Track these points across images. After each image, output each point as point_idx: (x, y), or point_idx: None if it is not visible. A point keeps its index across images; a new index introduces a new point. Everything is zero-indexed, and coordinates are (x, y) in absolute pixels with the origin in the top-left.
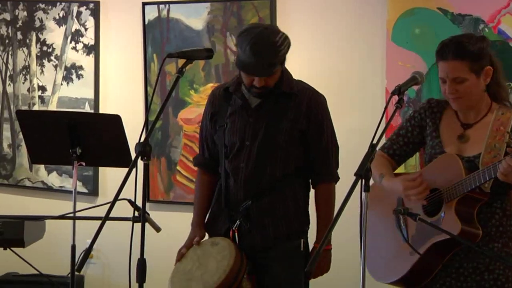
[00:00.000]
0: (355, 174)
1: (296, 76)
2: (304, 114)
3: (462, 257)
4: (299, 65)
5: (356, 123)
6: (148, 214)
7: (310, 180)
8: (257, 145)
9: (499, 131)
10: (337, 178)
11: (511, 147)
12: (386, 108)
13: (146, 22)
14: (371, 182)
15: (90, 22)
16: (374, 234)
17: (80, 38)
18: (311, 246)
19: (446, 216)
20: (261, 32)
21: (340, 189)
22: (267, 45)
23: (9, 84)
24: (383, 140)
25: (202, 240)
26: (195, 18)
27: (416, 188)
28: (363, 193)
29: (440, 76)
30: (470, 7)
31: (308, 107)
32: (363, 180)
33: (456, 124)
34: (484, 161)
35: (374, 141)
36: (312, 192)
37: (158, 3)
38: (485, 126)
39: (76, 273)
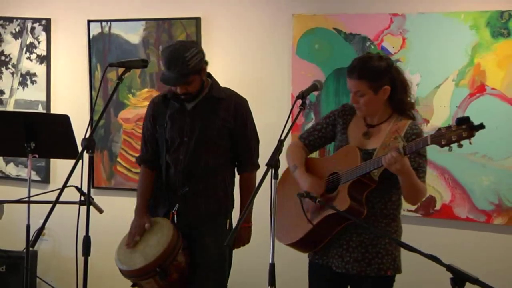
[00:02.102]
0: (266, 165)
1: (220, 80)
2: (232, 114)
3: (352, 232)
4: (221, 72)
5: (267, 121)
6: (92, 199)
7: (235, 169)
8: (194, 140)
9: (394, 134)
10: (258, 167)
11: (404, 146)
12: (291, 110)
13: (91, 37)
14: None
15: (42, 36)
16: (283, 204)
17: (34, 49)
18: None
19: (340, 194)
20: (174, 48)
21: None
22: (177, 59)
23: None
24: (289, 137)
25: None
26: (132, 33)
27: (318, 192)
28: (273, 181)
29: (348, 88)
30: (359, 28)
31: (235, 108)
32: (273, 170)
33: (363, 124)
34: (378, 154)
35: (282, 137)
36: (237, 177)
37: (101, 21)
38: (385, 128)
39: (31, 248)
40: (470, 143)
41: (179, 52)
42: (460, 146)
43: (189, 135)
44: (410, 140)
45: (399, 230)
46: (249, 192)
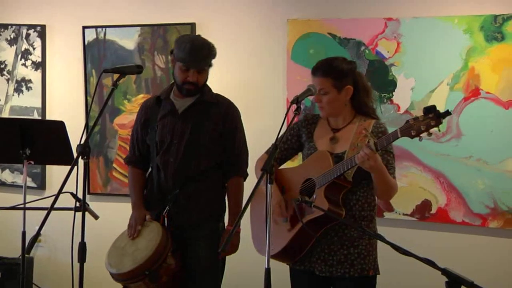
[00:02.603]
0: (261, 169)
1: (216, 85)
2: (222, 119)
3: (332, 235)
4: (216, 77)
5: (263, 125)
6: (88, 205)
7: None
8: (184, 143)
9: (361, 133)
10: (245, 174)
11: (375, 142)
12: (286, 114)
13: (86, 43)
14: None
15: (37, 43)
16: (258, 217)
17: (29, 56)
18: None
19: (317, 198)
20: (197, 36)
21: (248, 182)
22: (203, 44)
23: None
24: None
25: None
26: (127, 39)
27: (279, 212)
28: (268, 185)
29: None
30: (353, 33)
31: (226, 114)
32: (268, 174)
33: (328, 129)
34: (348, 156)
35: (277, 142)
36: None
37: (96, 27)
38: (351, 130)
39: (26, 255)
40: (439, 131)
41: (204, 39)
42: (430, 134)
43: (178, 138)
44: (377, 138)
45: (375, 231)
46: (237, 196)
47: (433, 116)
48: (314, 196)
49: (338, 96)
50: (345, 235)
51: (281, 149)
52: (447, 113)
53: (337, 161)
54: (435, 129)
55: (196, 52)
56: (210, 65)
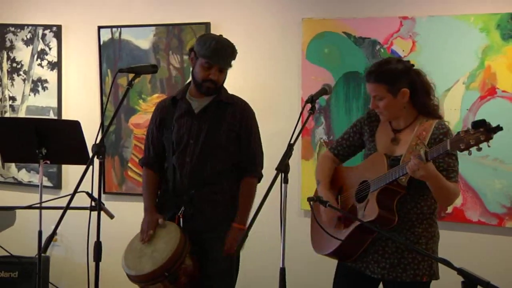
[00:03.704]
0: (276, 169)
1: (230, 85)
2: (238, 119)
3: (387, 238)
4: (231, 77)
5: (278, 126)
6: (103, 204)
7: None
8: (200, 143)
9: (421, 135)
10: (259, 175)
11: (426, 152)
12: (301, 114)
13: (101, 43)
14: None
15: (53, 43)
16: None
17: (45, 56)
18: None
19: (370, 203)
20: (220, 35)
21: (264, 182)
22: (227, 43)
23: None
24: (299, 141)
25: None
26: (142, 39)
27: (328, 217)
28: (283, 185)
29: (368, 92)
30: (369, 32)
31: (241, 115)
32: (283, 174)
33: (389, 130)
34: (405, 160)
35: (292, 141)
36: None
37: (111, 27)
38: (411, 132)
39: (43, 254)
40: (489, 146)
41: (228, 40)
42: (479, 149)
43: (195, 138)
44: (438, 140)
45: (436, 235)
46: (249, 196)
47: (483, 131)
48: (367, 200)
49: (395, 100)
50: (401, 238)
51: (343, 146)
52: (498, 128)
53: (394, 164)
54: (485, 144)
55: (221, 50)
56: (230, 65)
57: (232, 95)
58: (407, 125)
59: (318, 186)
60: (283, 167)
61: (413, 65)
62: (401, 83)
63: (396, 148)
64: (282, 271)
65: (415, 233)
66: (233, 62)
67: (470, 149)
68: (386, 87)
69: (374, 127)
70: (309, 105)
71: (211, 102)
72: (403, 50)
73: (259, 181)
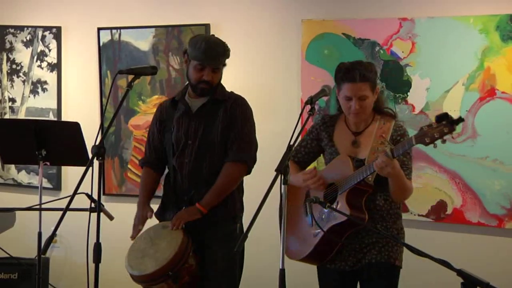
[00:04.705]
0: (276, 170)
1: (230, 86)
2: (229, 111)
3: (363, 235)
4: (230, 78)
5: (277, 127)
6: (103, 205)
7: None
8: (197, 143)
9: (381, 138)
10: (246, 163)
11: (392, 149)
12: (301, 115)
13: (101, 44)
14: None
15: (53, 44)
16: (289, 218)
17: (45, 57)
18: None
19: (340, 204)
20: (211, 35)
21: (263, 183)
22: (218, 43)
23: None
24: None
25: (154, 224)
26: (142, 40)
27: (312, 179)
28: (283, 186)
29: (346, 95)
30: (368, 33)
31: (231, 106)
32: (282, 175)
33: (348, 132)
34: (369, 160)
35: (291, 143)
36: (246, 183)
37: (111, 28)
38: (371, 133)
39: (42, 255)
40: (453, 138)
41: (219, 39)
42: (444, 141)
43: (193, 138)
44: (396, 141)
45: (403, 228)
46: (227, 180)
47: (446, 123)
48: (337, 203)
49: (372, 99)
50: (375, 233)
51: (302, 153)
52: (460, 119)
53: (359, 165)
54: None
55: (212, 50)
56: (224, 64)
57: (230, 93)
58: (367, 126)
59: (290, 176)
60: (282, 168)
61: None
62: (376, 82)
63: (358, 151)
64: (282, 272)
65: (387, 227)
66: (230, 62)
67: (435, 142)
68: (370, 86)
69: (331, 131)
70: (308, 106)
71: (207, 101)
72: (403, 52)
73: (247, 173)
